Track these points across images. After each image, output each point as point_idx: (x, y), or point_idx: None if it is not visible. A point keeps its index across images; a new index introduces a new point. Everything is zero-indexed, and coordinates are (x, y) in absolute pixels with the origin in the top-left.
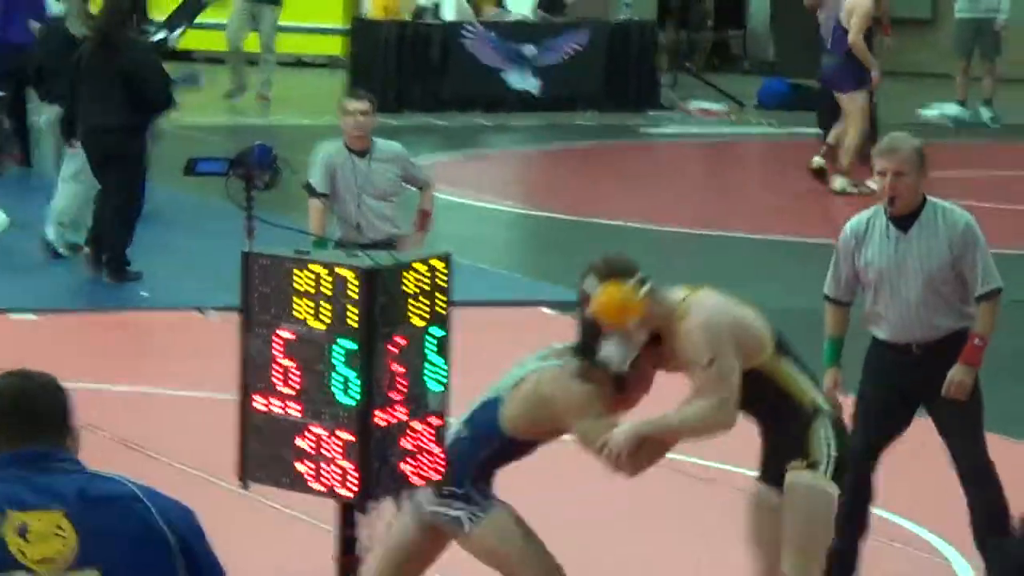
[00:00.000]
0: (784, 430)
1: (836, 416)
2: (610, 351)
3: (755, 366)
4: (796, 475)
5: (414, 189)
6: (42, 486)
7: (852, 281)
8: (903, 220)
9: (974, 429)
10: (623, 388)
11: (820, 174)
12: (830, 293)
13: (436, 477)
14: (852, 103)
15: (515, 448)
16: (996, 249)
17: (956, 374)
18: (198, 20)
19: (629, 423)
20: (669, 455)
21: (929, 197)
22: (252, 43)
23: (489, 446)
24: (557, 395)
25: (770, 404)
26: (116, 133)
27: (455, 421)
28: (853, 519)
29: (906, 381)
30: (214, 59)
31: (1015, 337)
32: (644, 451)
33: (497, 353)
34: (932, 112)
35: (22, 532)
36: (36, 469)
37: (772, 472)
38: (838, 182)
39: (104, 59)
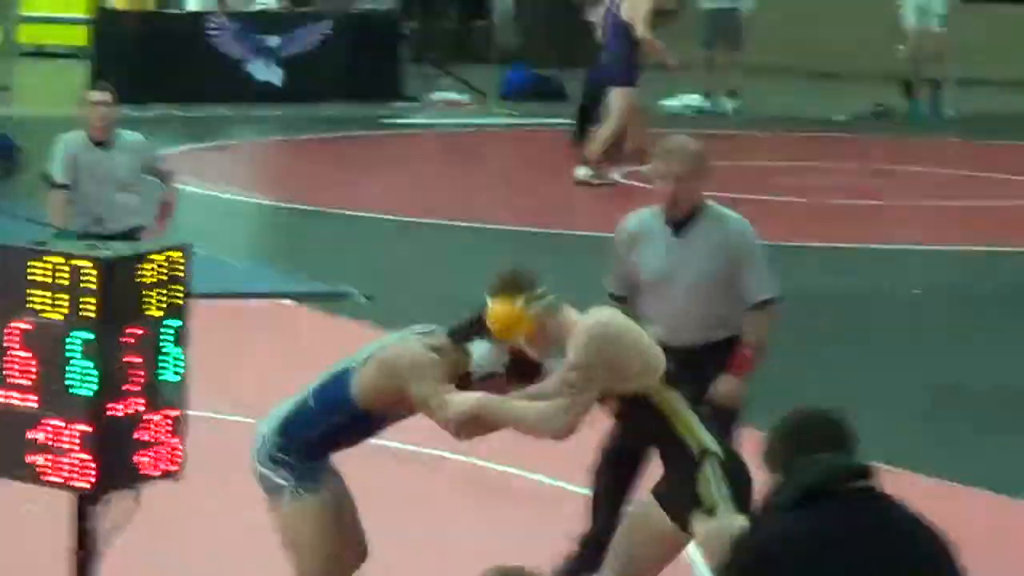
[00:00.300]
0: (675, 468)
1: (722, 458)
2: (481, 353)
3: (642, 391)
4: (703, 523)
5: (157, 180)
6: None
7: (629, 277)
8: (680, 223)
9: (728, 429)
10: (472, 386)
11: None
12: (611, 289)
13: (173, 468)
14: (620, 98)
15: (362, 423)
16: None
17: (723, 384)
18: None
19: (473, 395)
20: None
21: (707, 202)
22: None
23: (336, 416)
24: (403, 357)
25: (658, 434)
26: None
27: (304, 391)
28: (607, 512)
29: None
30: None
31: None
32: (479, 424)
33: (237, 345)
34: (675, 103)
35: None
36: None
37: (665, 499)
38: (581, 171)
39: None
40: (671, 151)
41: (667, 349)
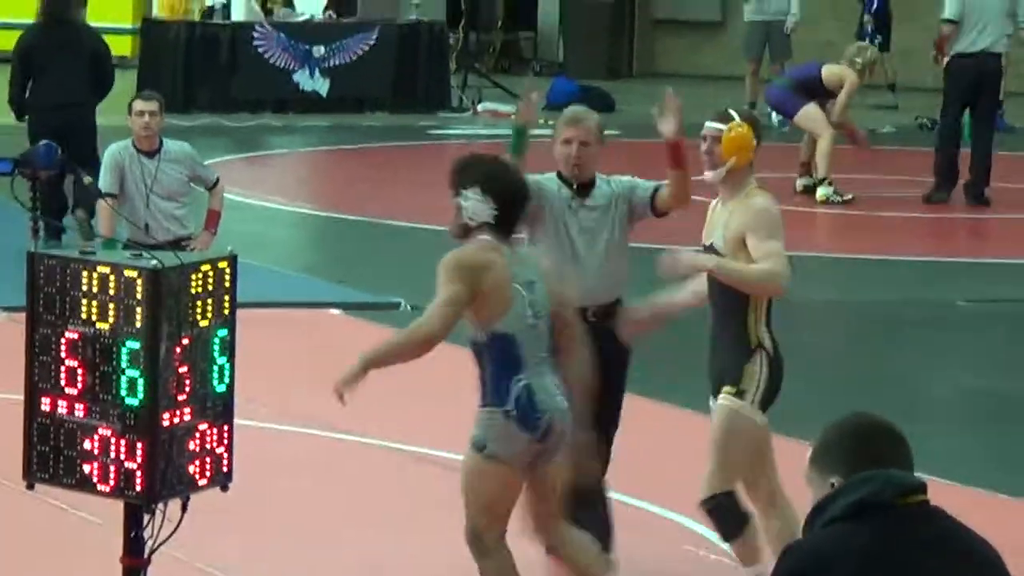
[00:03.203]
0: (729, 348)
1: (772, 356)
2: (471, 205)
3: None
4: (725, 399)
5: (203, 190)
6: None
7: None
8: (583, 188)
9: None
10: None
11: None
12: None
13: (221, 477)
14: (812, 114)
15: None
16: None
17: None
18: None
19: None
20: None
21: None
22: None
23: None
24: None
25: (734, 315)
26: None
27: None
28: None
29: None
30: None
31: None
32: None
33: (284, 354)
34: None
35: None
36: None
37: (715, 390)
38: (820, 191)
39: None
40: (577, 119)
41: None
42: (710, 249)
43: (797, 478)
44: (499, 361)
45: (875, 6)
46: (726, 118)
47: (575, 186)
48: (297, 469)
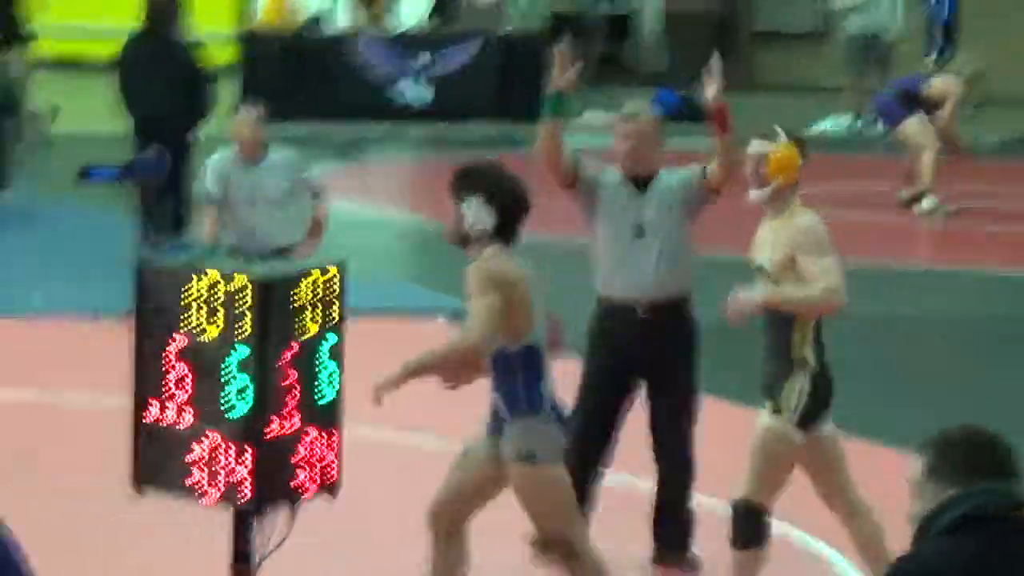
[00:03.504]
0: (773, 360)
1: (816, 372)
2: (473, 212)
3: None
4: (762, 416)
5: (307, 197)
6: None
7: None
8: (642, 181)
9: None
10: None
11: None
12: None
13: (329, 484)
14: (917, 126)
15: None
16: (868, 262)
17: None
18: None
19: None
20: None
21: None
22: None
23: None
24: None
25: (781, 330)
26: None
27: None
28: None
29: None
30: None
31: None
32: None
33: (390, 363)
34: (824, 125)
35: None
36: None
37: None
38: (923, 203)
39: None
40: (633, 114)
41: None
42: (759, 270)
43: (902, 487)
44: (530, 369)
45: (946, 19)
46: (772, 137)
47: (633, 180)
48: (401, 478)
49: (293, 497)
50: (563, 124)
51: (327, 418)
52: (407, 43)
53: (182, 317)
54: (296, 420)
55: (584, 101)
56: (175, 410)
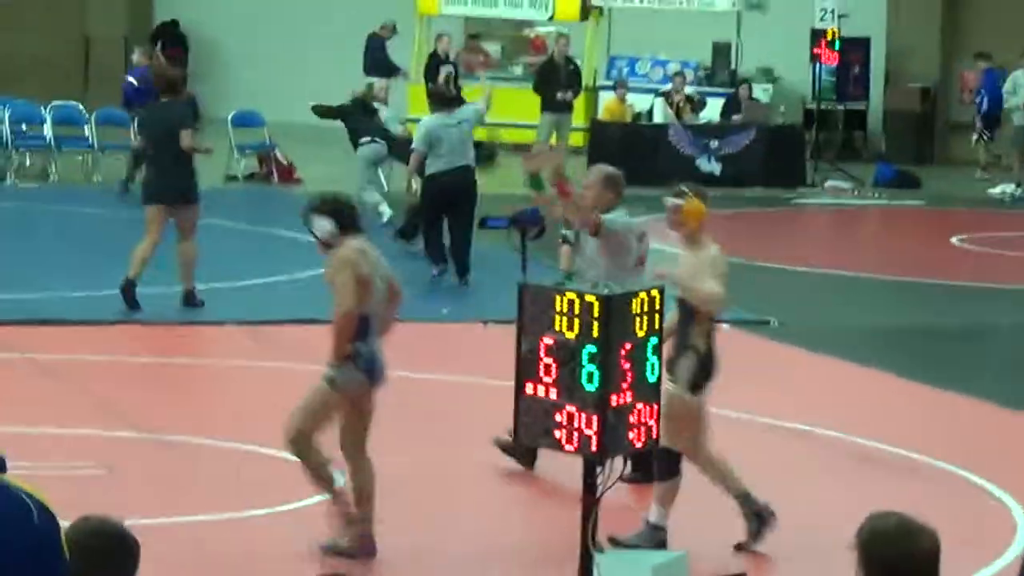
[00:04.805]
0: (676, 350)
1: (704, 355)
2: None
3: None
4: (667, 386)
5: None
6: None
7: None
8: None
9: None
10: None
11: None
12: None
13: (650, 442)
14: None
15: None
16: None
17: None
18: (508, 119)
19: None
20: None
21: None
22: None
23: None
24: None
25: (682, 328)
26: None
27: None
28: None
29: None
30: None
31: None
32: None
33: None
34: (995, 191)
35: None
36: None
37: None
38: None
39: None
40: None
41: None
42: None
43: None
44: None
45: (984, 109)
46: (682, 194)
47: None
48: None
49: (625, 451)
50: (544, 195)
51: (650, 395)
52: (704, 131)
53: (550, 323)
54: (629, 396)
55: (827, 173)
56: (544, 389)
